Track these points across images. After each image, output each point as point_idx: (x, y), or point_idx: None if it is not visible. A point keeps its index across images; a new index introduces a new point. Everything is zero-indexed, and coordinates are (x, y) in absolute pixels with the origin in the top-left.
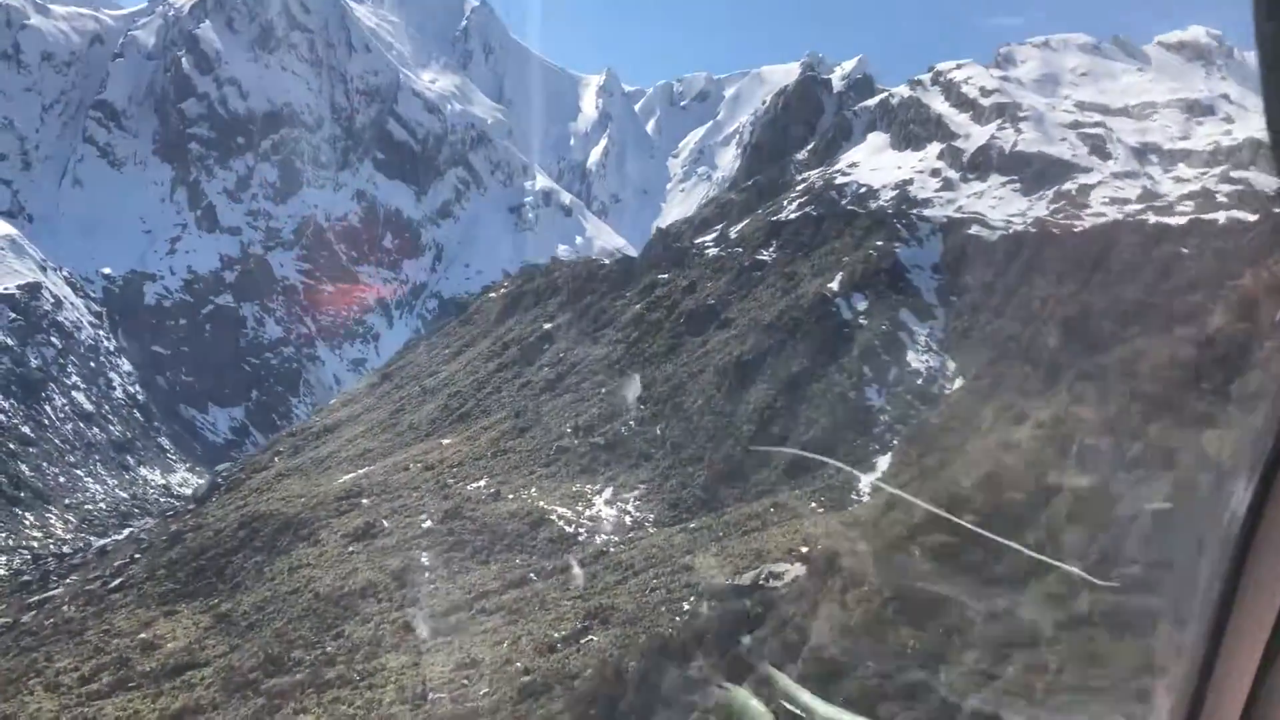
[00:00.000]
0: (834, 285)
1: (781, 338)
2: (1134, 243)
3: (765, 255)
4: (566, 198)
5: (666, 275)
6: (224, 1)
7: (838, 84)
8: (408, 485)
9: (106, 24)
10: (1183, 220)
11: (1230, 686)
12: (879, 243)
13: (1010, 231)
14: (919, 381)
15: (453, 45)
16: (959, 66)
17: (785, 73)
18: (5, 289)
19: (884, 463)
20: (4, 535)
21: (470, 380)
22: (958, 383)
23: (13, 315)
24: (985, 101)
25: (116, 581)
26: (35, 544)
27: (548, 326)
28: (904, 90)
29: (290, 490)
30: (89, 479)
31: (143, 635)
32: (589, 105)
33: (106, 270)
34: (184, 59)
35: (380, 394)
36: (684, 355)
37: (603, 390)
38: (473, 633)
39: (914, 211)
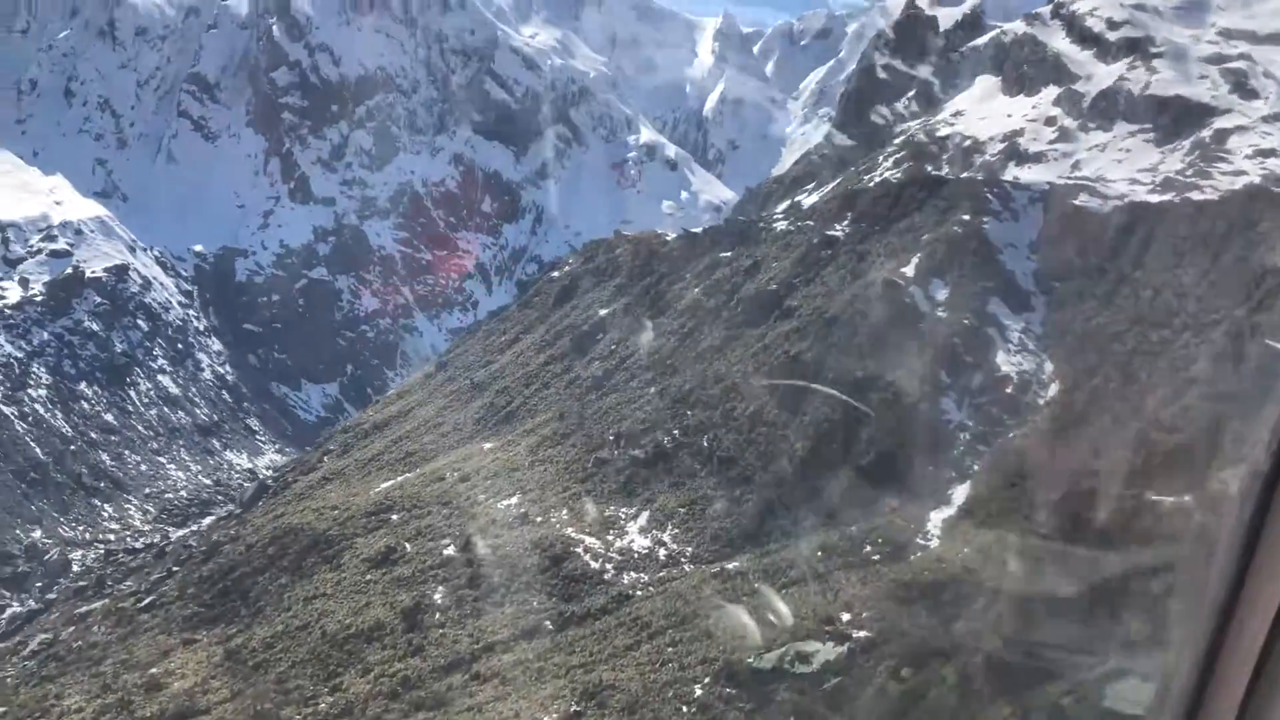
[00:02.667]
0: (909, 269)
1: (846, 333)
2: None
3: (838, 230)
4: (672, 150)
5: (729, 253)
6: None
7: (945, 21)
8: (439, 499)
9: None
10: None
11: (1231, 675)
12: (965, 217)
13: (1124, 201)
14: (1009, 389)
15: None
16: None
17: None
18: (92, 272)
19: (961, 494)
20: (82, 528)
21: (520, 374)
22: (1053, 390)
23: (99, 300)
24: (1113, 36)
25: (148, 600)
26: (113, 536)
27: (603, 313)
28: (1019, 26)
29: (327, 499)
30: (171, 466)
31: (155, 670)
32: (705, 50)
33: (198, 248)
34: (275, 27)
35: (433, 387)
36: (739, 351)
37: (652, 391)
38: (456, 710)
39: (1011, 177)
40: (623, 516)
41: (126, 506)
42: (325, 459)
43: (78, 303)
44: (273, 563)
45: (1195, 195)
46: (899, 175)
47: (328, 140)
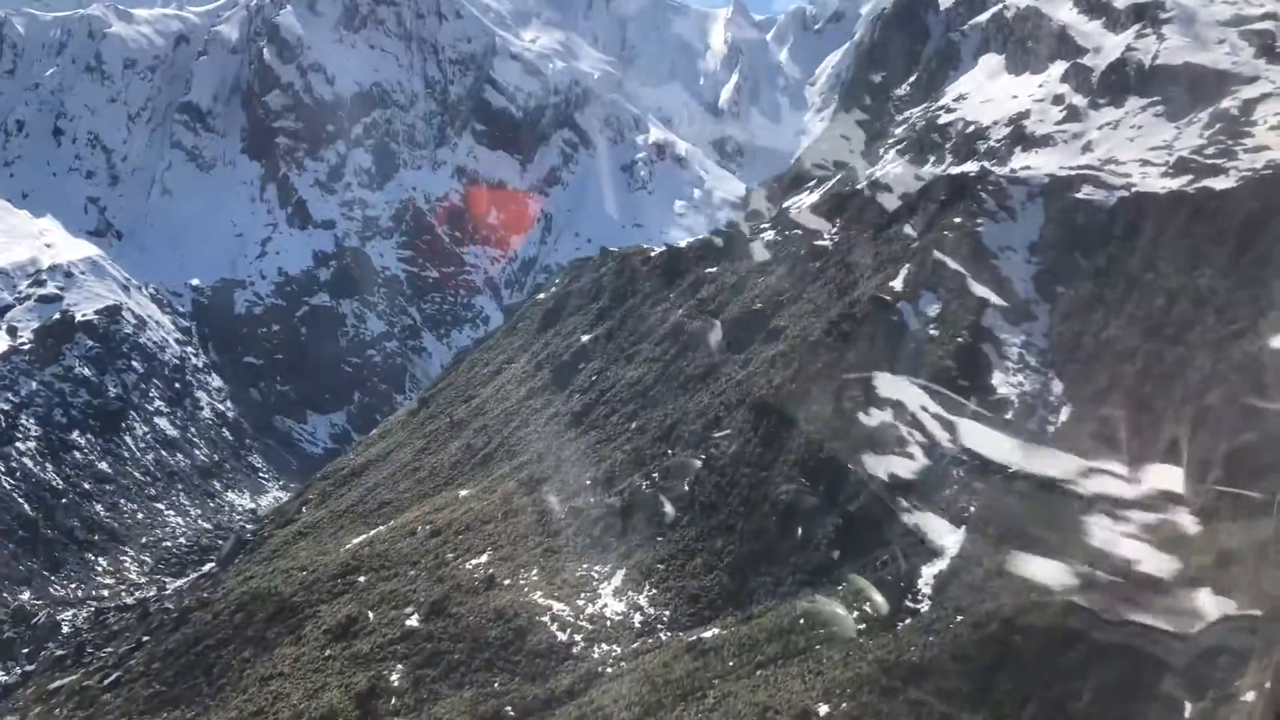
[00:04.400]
0: (897, 282)
1: (832, 358)
2: None
3: (826, 239)
4: (682, 148)
5: (715, 269)
6: None
7: (946, 2)
8: (407, 558)
9: (191, 22)
10: None
11: None
12: (957, 220)
13: (1131, 193)
14: (1009, 415)
15: None
16: None
17: None
18: (83, 316)
19: (954, 543)
20: (74, 586)
21: (499, 411)
22: (1065, 414)
23: (90, 344)
24: (1120, 3)
25: (113, 677)
26: (106, 592)
27: (585, 340)
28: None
29: (297, 559)
30: (170, 512)
31: None
32: (718, 41)
33: (195, 281)
34: (266, 50)
35: (414, 426)
36: (723, 380)
37: (632, 427)
38: None
39: (1019, 164)
40: (596, 576)
41: (122, 559)
42: (304, 509)
43: (68, 348)
44: (238, 632)
45: (1212, 181)
46: (890, 175)
47: (325, 162)
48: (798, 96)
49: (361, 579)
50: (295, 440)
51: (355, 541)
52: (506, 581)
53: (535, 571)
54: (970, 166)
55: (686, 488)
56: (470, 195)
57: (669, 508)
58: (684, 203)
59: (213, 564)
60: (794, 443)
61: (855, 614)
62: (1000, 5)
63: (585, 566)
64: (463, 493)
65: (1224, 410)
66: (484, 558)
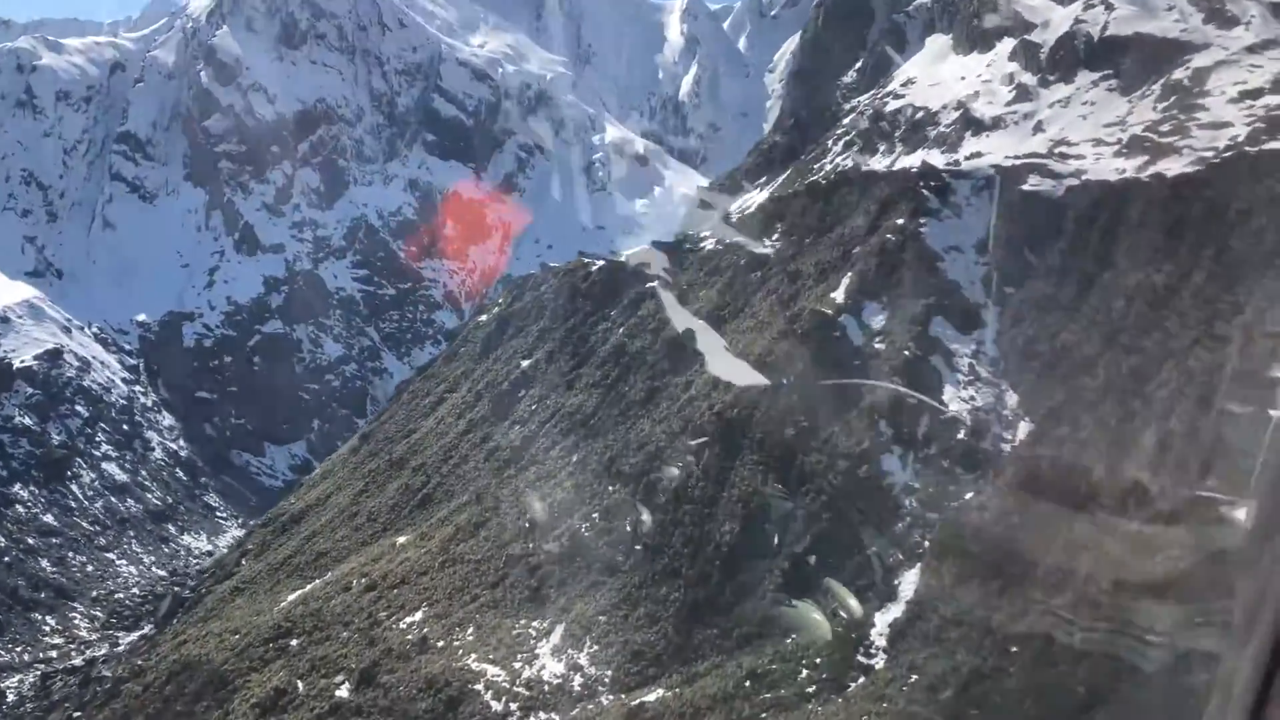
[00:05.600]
0: (839, 293)
1: (774, 378)
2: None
3: (768, 246)
4: (641, 145)
5: (656, 283)
6: (240, 2)
7: None
8: (340, 618)
9: (126, 49)
10: None
11: None
12: (898, 220)
13: (1081, 181)
14: (960, 434)
15: None
16: None
17: None
18: (21, 362)
19: (909, 585)
20: (20, 649)
21: (438, 447)
22: (1023, 430)
23: (30, 390)
24: None
25: None
26: (55, 653)
27: (525, 365)
28: None
29: (232, 620)
30: (122, 562)
31: None
32: (674, 33)
33: (141, 317)
34: (204, 73)
35: (354, 465)
36: (664, 405)
37: (574, 460)
38: None
39: (970, 151)
40: (534, 633)
41: (71, 615)
42: (244, 561)
43: (7, 397)
44: (168, 706)
45: (1168, 163)
46: (835, 171)
47: (271, 184)
48: (757, 84)
49: (294, 642)
50: (254, 475)
51: (290, 599)
52: (440, 643)
53: (470, 630)
54: (916, 159)
55: (628, 529)
56: (451, 205)
57: (609, 552)
58: (645, 201)
59: (142, 631)
60: (736, 476)
61: (806, 672)
62: None
63: (523, 622)
64: (400, 540)
65: (1192, 420)
66: (418, 615)
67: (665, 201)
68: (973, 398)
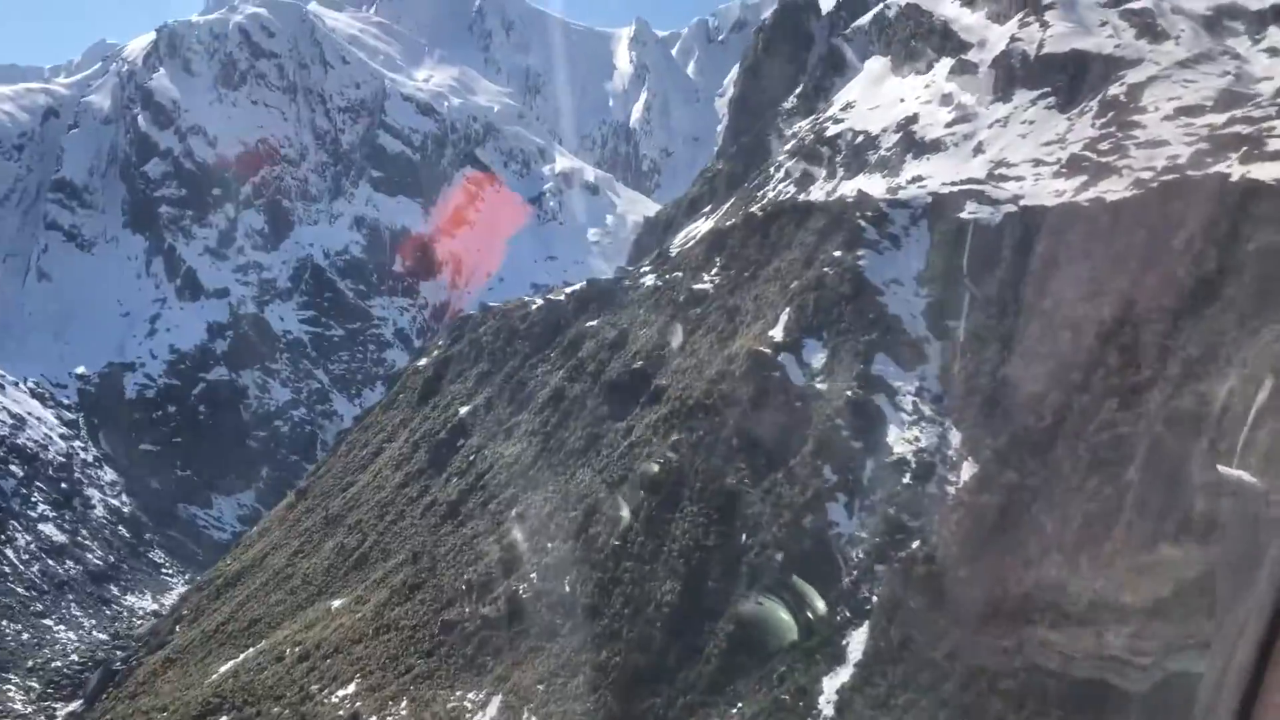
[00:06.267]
0: (777, 331)
1: (714, 423)
2: (1207, 204)
3: (706, 282)
4: (591, 174)
5: (595, 322)
6: (177, 44)
7: (827, 2)
8: (272, 691)
9: (59, 94)
10: None
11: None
12: (836, 253)
13: (1019, 207)
14: (906, 478)
15: (470, 29)
16: None
17: None
18: None
19: (858, 645)
20: None
21: (375, 502)
22: (966, 471)
23: None
24: None
25: None
26: None
27: (463, 412)
28: None
29: (161, 695)
30: (60, 627)
31: None
32: (623, 61)
33: (80, 370)
34: (140, 117)
35: (292, 522)
36: (604, 453)
37: (512, 514)
38: None
39: (911, 175)
40: (469, 705)
41: (5, 688)
42: (177, 628)
43: None
44: None
45: (1107, 184)
46: (774, 200)
47: (214, 227)
48: (709, 109)
49: (224, 719)
50: (201, 528)
51: (222, 670)
52: (372, 719)
53: (404, 704)
54: (858, 184)
55: (567, 588)
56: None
57: (548, 615)
58: (597, 230)
59: (80, 701)
60: (677, 528)
61: None
62: (882, 4)
63: (459, 694)
64: (335, 604)
65: (1146, 466)
66: (351, 688)
67: (618, 229)
68: (917, 438)
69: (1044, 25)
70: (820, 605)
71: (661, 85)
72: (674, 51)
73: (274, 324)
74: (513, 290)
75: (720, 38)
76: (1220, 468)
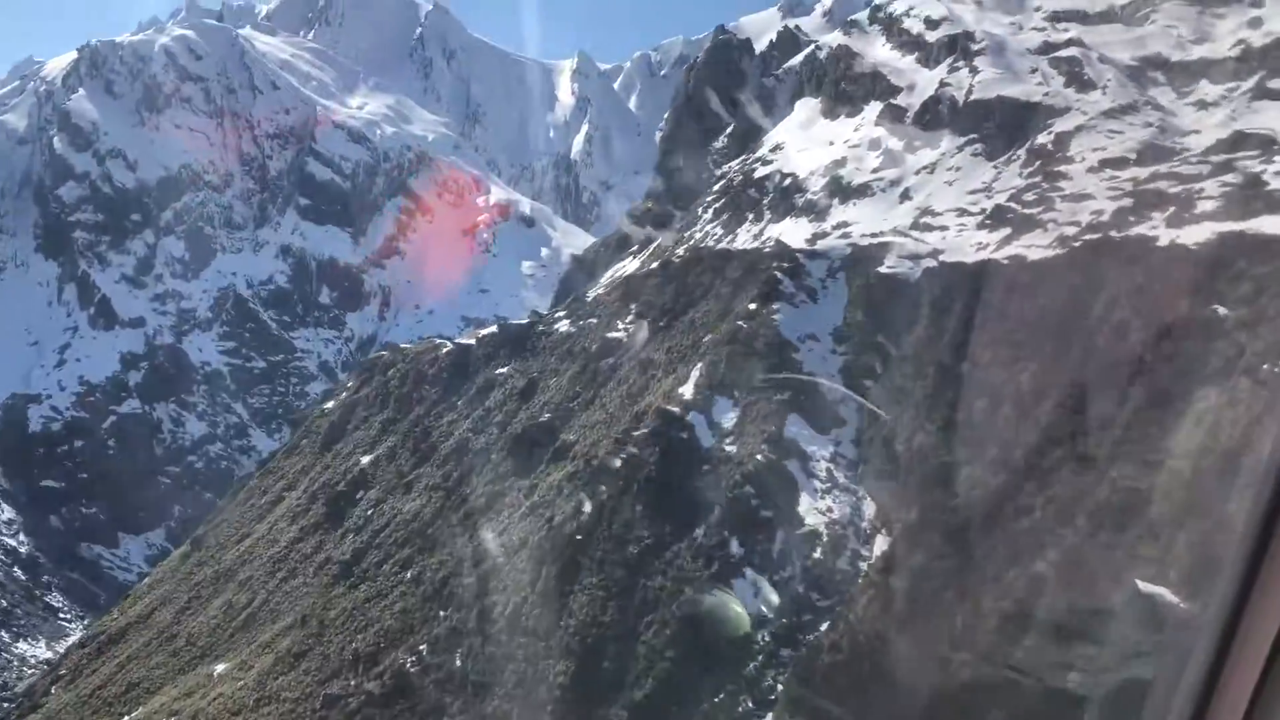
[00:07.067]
0: (687, 388)
1: (620, 486)
2: (1130, 272)
3: (620, 330)
4: (527, 206)
5: (505, 369)
6: (100, 65)
7: (760, 42)
8: None
9: None
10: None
11: (1234, 688)
12: (751, 306)
13: (939, 263)
14: (817, 551)
15: (410, 55)
16: None
17: (764, 21)
18: None
19: None
20: None
21: (267, 557)
22: (879, 545)
23: None
24: (933, 36)
25: None
26: None
27: (365, 462)
28: (836, 37)
29: None
30: None
31: None
32: (565, 92)
33: None
34: (57, 139)
35: (183, 574)
36: (505, 513)
37: (407, 577)
38: None
39: (836, 220)
40: None
41: None
42: (54, 689)
43: None
44: None
45: (1030, 239)
46: (696, 245)
47: (131, 254)
48: (648, 142)
49: None
50: (105, 569)
51: None
52: None
53: None
54: (784, 228)
55: (458, 663)
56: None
57: (435, 693)
58: (532, 263)
59: None
60: (575, 602)
61: None
62: (813, 46)
63: None
64: (218, 669)
65: (1061, 558)
66: None
67: (552, 263)
68: (830, 509)
69: (973, 70)
70: (774, 598)
71: (603, 118)
72: (616, 85)
73: (192, 355)
74: (443, 324)
75: (663, 72)
76: (1139, 583)
